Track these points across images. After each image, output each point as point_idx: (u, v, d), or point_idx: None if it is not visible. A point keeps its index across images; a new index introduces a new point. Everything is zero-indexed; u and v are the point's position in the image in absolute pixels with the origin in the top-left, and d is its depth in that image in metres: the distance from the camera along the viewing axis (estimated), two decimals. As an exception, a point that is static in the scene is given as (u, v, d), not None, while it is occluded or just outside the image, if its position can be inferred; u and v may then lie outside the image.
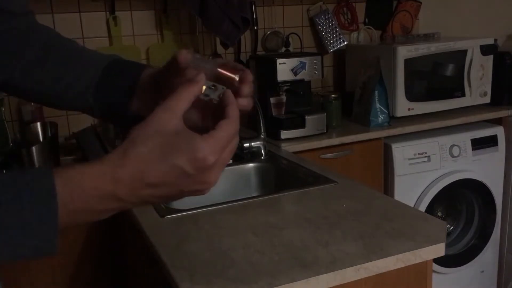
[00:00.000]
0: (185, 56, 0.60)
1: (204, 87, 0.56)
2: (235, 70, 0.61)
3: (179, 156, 0.51)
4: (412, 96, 2.30)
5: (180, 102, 0.54)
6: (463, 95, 2.42)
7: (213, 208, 1.34)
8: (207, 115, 0.63)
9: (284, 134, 2.08)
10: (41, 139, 1.71)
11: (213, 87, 0.57)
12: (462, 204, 2.43)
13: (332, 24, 2.58)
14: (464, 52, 2.38)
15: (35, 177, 0.50)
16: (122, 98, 0.71)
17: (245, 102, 0.61)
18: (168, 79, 0.65)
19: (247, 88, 0.61)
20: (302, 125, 2.10)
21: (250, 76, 0.62)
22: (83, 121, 2.08)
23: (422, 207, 2.23)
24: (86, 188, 0.50)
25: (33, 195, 0.49)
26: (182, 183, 0.53)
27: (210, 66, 0.60)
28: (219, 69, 0.60)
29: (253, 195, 1.74)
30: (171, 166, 0.51)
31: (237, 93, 0.59)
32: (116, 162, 0.51)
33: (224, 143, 0.53)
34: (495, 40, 2.47)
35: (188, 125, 0.54)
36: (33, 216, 0.48)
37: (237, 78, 0.60)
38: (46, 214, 0.49)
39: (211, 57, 2.39)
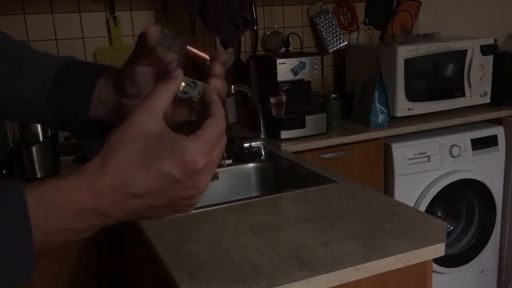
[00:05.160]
0: (154, 31, 0.53)
1: (182, 84, 0.52)
2: (206, 50, 0.56)
3: (165, 161, 0.46)
4: (412, 96, 2.30)
5: (159, 101, 0.49)
6: (463, 95, 2.42)
7: (213, 208, 1.34)
8: (180, 110, 0.58)
9: (284, 134, 2.08)
10: (41, 139, 1.71)
11: (192, 84, 0.53)
12: (462, 204, 2.43)
13: (332, 24, 2.58)
14: (464, 52, 2.38)
15: (2, 197, 0.44)
16: (81, 103, 0.63)
17: (219, 84, 0.55)
18: (133, 72, 0.59)
19: (219, 68, 0.55)
20: (302, 125, 2.10)
21: (222, 55, 0.56)
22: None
23: (422, 207, 2.23)
24: (62, 205, 0.45)
25: (1, 219, 0.43)
26: (171, 190, 0.48)
27: (180, 44, 0.54)
28: (189, 48, 0.54)
29: (253, 195, 1.74)
30: (157, 173, 0.46)
31: (208, 74, 0.55)
32: (94, 172, 0.46)
33: (213, 143, 0.49)
34: (495, 40, 2.47)
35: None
36: (3, 243, 0.43)
37: (208, 57, 0.55)
38: (17, 239, 0.43)
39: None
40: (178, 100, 0.54)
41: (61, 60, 0.66)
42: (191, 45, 0.55)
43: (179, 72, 0.52)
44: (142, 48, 0.55)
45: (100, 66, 0.65)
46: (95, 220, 0.47)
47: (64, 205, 0.45)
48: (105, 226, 0.49)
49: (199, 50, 0.55)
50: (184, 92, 0.52)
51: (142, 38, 0.54)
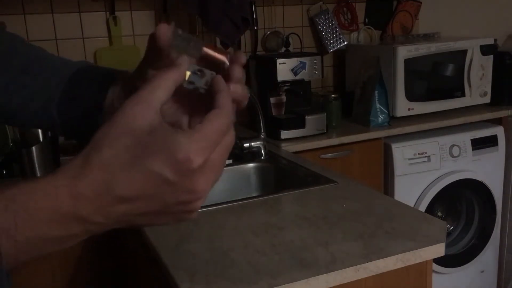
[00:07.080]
0: (164, 31, 0.46)
1: (188, 73, 0.45)
2: (223, 51, 0.50)
3: (154, 159, 0.39)
4: (412, 96, 2.30)
5: (157, 92, 0.42)
6: (463, 95, 2.42)
7: (213, 208, 1.34)
8: (197, 111, 0.51)
9: (284, 134, 2.08)
10: (41, 139, 1.71)
11: (199, 73, 0.46)
12: (462, 204, 2.43)
13: (332, 24, 2.58)
14: (464, 52, 2.38)
15: None
16: (92, 111, 0.58)
17: (239, 89, 0.48)
18: (145, 75, 0.53)
19: (238, 70, 0.48)
20: (302, 125, 2.10)
21: (241, 57, 0.49)
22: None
23: (422, 207, 2.23)
24: (34, 211, 0.38)
25: None
26: (163, 194, 0.41)
27: (195, 46, 0.47)
28: (205, 49, 0.48)
29: (253, 195, 1.74)
30: (145, 173, 0.39)
31: (227, 78, 0.47)
32: (74, 172, 0.39)
33: (213, 139, 0.41)
34: (495, 40, 2.47)
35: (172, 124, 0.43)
36: None
37: (226, 59, 0.49)
38: None
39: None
40: (186, 92, 0.47)
41: (74, 65, 0.62)
42: (207, 46, 0.49)
43: (184, 60, 0.45)
44: (154, 50, 0.49)
45: (113, 71, 0.61)
46: (76, 228, 0.41)
47: (37, 211, 0.39)
48: (91, 234, 0.42)
49: (216, 52, 0.49)
50: (190, 82, 0.46)
51: (152, 40, 0.48)
